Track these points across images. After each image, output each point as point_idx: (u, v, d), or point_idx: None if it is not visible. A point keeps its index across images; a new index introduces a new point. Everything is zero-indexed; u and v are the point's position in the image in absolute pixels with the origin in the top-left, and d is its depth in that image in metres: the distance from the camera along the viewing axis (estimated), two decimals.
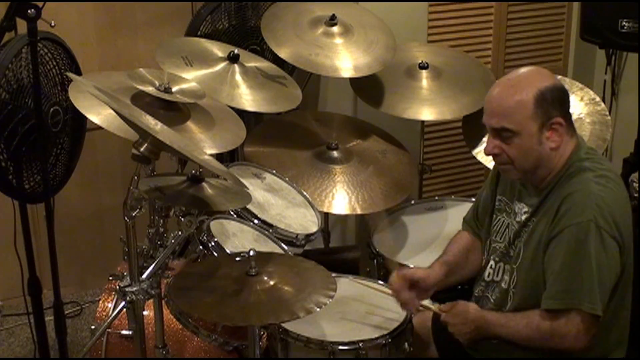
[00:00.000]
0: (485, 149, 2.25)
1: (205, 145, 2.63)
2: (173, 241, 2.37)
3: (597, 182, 2.14)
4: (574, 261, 2.10)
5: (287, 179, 3.01)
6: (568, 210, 2.12)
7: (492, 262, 2.40)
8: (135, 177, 2.21)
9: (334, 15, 3.25)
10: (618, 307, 2.22)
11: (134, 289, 2.26)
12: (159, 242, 2.55)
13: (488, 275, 2.41)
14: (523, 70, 2.22)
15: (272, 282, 2.15)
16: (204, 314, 2.03)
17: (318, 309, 2.09)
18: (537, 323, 2.14)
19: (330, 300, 2.15)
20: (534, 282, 2.22)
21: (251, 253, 2.17)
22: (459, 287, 2.82)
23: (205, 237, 2.52)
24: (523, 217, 2.28)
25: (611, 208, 2.12)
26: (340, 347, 2.36)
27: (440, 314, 2.33)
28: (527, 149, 2.15)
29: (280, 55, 3.15)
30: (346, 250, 3.46)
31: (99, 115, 2.52)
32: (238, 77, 3.01)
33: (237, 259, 2.30)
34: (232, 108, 2.92)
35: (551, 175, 2.20)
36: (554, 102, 2.12)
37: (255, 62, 3.15)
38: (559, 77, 3.37)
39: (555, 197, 2.19)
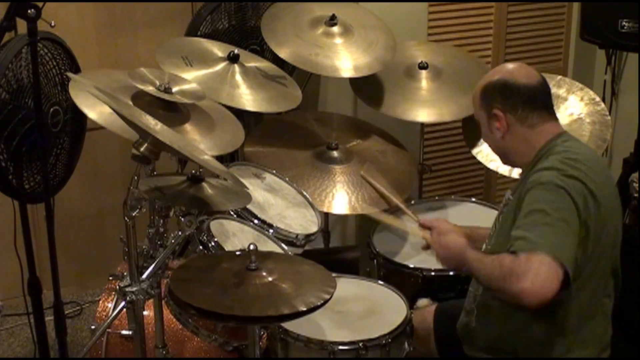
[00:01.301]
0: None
1: (204, 147, 2.63)
2: (173, 241, 2.37)
3: (560, 159, 2.20)
4: (535, 212, 2.09)
5: (287, 179, 3.01)
6: (534, 183, 2.16)
7: (483, 246, 2.45)
8: (135, 177, 2.21)
9: (334, 15, 3.26)
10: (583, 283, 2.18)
11: (134, 289, 2.27)
12: (159, 242, 2.55)
13: None
14: (496, 67, 2.47)
15: (271, 278, 2.15)
16: (203, 304, 2.03)
17: (319, 303, 2.08)
18: (501, 259, 2.08)
19: (331, 295, 2.14)
20: None
21: (252, 247, 2.17)
22: (459, 286, 2.82)
23: (205, 237, 2.52)
24: (504, 202, 2.40)
25: (572, 172, 2.14)
26: (340, 347, 2.36)
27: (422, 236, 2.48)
28: (485, 136, 2.41)
29: (280, 55, 3.15)
30: (346, 250, 3.47)
31: (99, 114, 2.52)
32: (238, 77, 3.01)
33: (238, 253, 2.30)
34: (232, 108, 2.92)
35: (525, 160, 2.33)
36: (495, 95, 2.32)
37: (255, 62, 3.15)
38: (559, 77, 3.39)
39: (526, 183, 2.24)
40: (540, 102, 2.32)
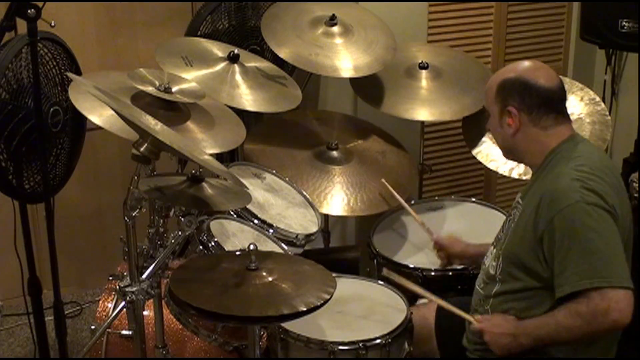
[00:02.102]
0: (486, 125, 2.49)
1: (205, 145, 2.63)
2: (173, 241, 2.37)
3: (575, 168, 2.19)
4: (575, 244, 2.11)
5: (287, 179, 3.01)
6: (552, 200, 2.16)
7: (490, 249, 2.45)
8: (135, 177, 2.21)
9: (334, 15, 3.26)
10: None
11: (134, 289, 2.26)
12: (159, 242, 2.54)
13: (485, 262, 2.46)
14: (517, 62, 2.44)
15: (271, 278, 2.15)
16: (203, 305, 2.03)
17: (319, 303, 2.08)
18: (574, 310, 2.13)
19: (331, 295, 2.14)
20: (514, 263, 2.27)
21: (251, 247, 2.17)
22: (459, 287, 2.82)
23: (205, 237, 2.52)
24: (514, 204, 2.38)
25: (593, 185, 2.15)
26: (340, 347, 2.36)
27: (473, 322, 2.36)
28: (494, 129, 2.40)
29: (280, 55, 3.15)
30: (346, 250, 3.46)
31: (99, 116, 2.52)
32: (238, 77, 3.01)
33: (238, 253, 2.30)
34: (232, 108, 2.92)
35: (535, 162, 2.33)
36: (512, 92, 2.31)
37: (255, 62, 3.15)
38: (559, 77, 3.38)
39: (538, 187, 2.25)
40: (556, 105, 2.31)
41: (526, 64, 2.37)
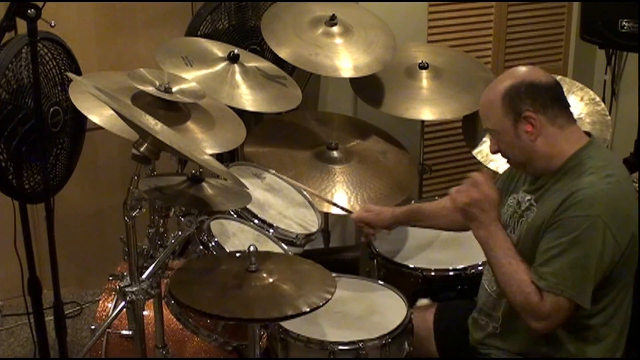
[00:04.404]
0: (489, 149, 2.39)
1: (205, 145, 2.63)
2: (173, 241, 2.37)
3: (607, 181, 2.16)
4: (574, 250, 2.11)
5: (287, 178, 3.01)
6: (577, 203, 2.13)
7: None
8: (135, 177, 2.21)
9: (334, 15, 3.26)
10: (615, 310, 2.23)
11: (134, 289, 2.26)
12: (159, 242, 2.54)
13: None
14: (506, 71, 2.36)
15: (271, 279, 2.15)
16: (205, 308, 2.03)
17: (321, 303, 2.08)
18: (528, 292, 2.14)
19: (332, 295, 2.14)
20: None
21: (251, 249, 2.17)
22: (459, 287, 2.82)
23: (205, 237, 2.52)
24: (525, 205, 2.31)
25: (619, 209, 2.14)
26: (340, 347, 2.35)
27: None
28: (510, 144, 2.27)
29: (280, 55, 3.15)
30: (346, 250, 3.47)
31: (99, 116, 2.52)
32: (238, 77, 3.01)
33: (237, 254, 2.30)
34: (232, 108, 2.92)
35: (552, 166, 2.25)
36: (522, 98, 2.21)
37: (255, 62, 3.15)
38: (559, 77, 3.38)
39: (558, 190, 2.21)
40: (564, 101, 2.27)
41: (521, 68, 2.31)
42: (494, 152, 2.35)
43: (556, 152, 2.23)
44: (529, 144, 2.23)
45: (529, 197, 2.31)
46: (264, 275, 2.16)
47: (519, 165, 2.34)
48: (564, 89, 2.32)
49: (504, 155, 2.34)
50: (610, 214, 2.11)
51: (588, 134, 2.30)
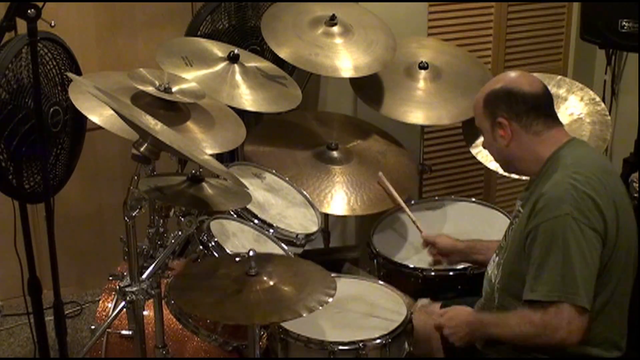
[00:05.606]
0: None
1: (205, 145, 2.63)
2: (173, 241, 2.37)
3: (572, 177, 2.18)
4: (554, 254, 2.12)
5: (287, 178, 3.01)
6: (544, 206, 2.16)
7: (493, 256, 2.45)
8: (135, 177, 2.21)
9: (334, 15, 3.25)
10: (606, 303, 2.22)
11: (134, 289, 2.26)
12: (159, 242, 2.54)
13: (488, 270, 2.45)
14: (499, 74, 2.47)
15: (271, 282, 2.15)
16: (206, 314, 2.03)
17: (320, 307, 2.08)
18: (528, 317, 2.17)
19: (332, 298, 2.14)
20: (514, 274, 2.27)
21: (251, 253, 2.17)
22: (459, 287, 2.82)
23: (205, 237, 2.52)
24: (515, 212, 2.38)
25: (585, 199, 2.14)
26: (340, 347, 2.36)
27: (437, 321, 2.43)
28: (489, 144, 2.41)
29: (280, 55, 3.15)
30: (346, 250, 3.47)
31: (99, 115, 2.52)
32: (238, 77, 3.01)
33: (237, 259, 2.30)
34: (232, 108, 2.92)
35: (533, 168, 2.33)
36: (499, 103, 2.31)
37: (255, 62, 3.15)
38: (559, 77, 3.38)
39: (535, 193, 2.24)
40: (544, 109, 2.31)
41: (510, 74, 2.39)
42: (483, 147, 2.49)
43: (532, 156, 2.30)
44: (504, 148, 2.34)
45: (520, 202, 2.37)
46: (264, 278, 2.16)
47: (501, 164, 2.46)
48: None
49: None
50: (577, 208, 2.13)
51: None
